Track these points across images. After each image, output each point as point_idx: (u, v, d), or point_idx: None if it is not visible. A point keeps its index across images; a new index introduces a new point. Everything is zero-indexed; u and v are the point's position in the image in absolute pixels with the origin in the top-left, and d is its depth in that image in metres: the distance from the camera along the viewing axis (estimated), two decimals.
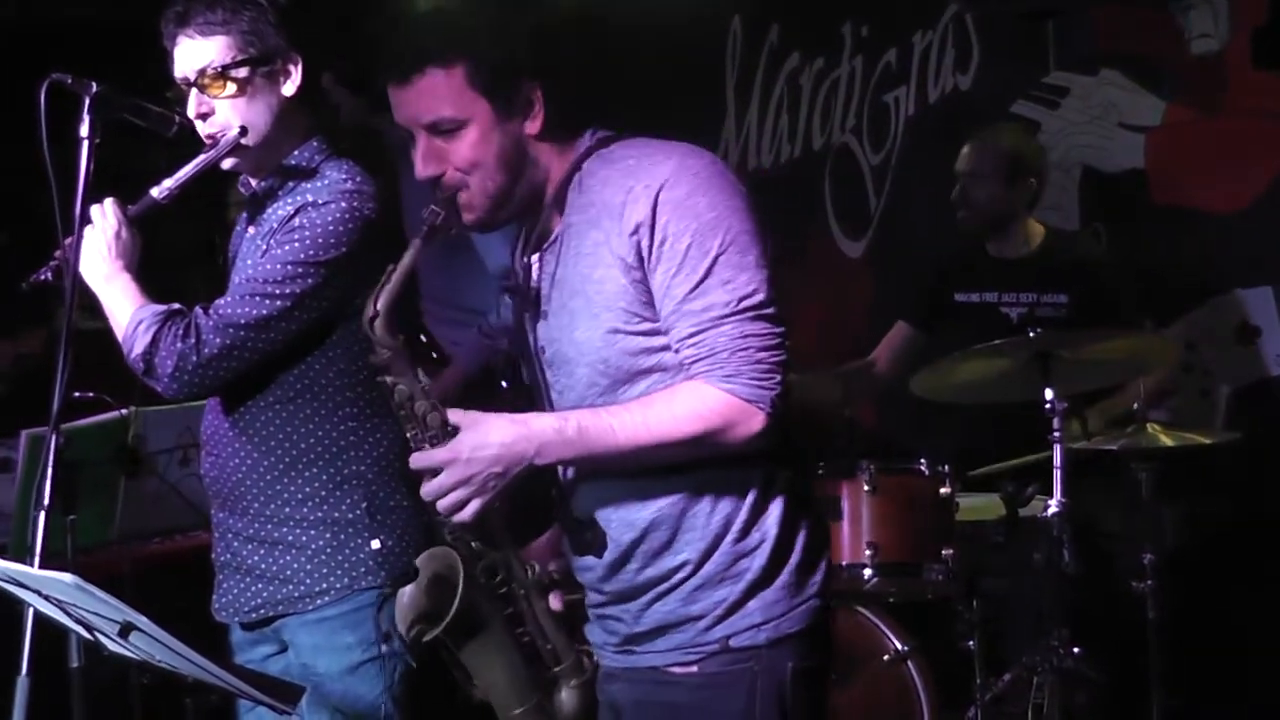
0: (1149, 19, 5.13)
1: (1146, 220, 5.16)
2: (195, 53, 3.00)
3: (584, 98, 2.54)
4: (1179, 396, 4.94)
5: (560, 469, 2.52)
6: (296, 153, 3.08)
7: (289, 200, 3.04)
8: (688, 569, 2.44)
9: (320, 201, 2.98)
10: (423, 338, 4.91)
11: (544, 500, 2.66)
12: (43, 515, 2.73)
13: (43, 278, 2.98)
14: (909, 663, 4.26)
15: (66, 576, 2.42)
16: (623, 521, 2.46)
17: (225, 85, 3.00)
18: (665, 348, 2.40)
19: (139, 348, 2.95)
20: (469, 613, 2.46)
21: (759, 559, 2.43)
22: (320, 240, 2.95)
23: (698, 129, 6.31)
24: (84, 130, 2.86)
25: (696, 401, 2.35)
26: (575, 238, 2.44)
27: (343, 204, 2.97)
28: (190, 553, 4.10)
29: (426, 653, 2.61)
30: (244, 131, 3.01)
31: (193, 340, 2.94)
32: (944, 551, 4.21)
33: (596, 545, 2.48)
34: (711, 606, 2.43)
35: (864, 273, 6.12)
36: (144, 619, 2.44)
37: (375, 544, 3.02)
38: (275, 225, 3.02)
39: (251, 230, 3.12)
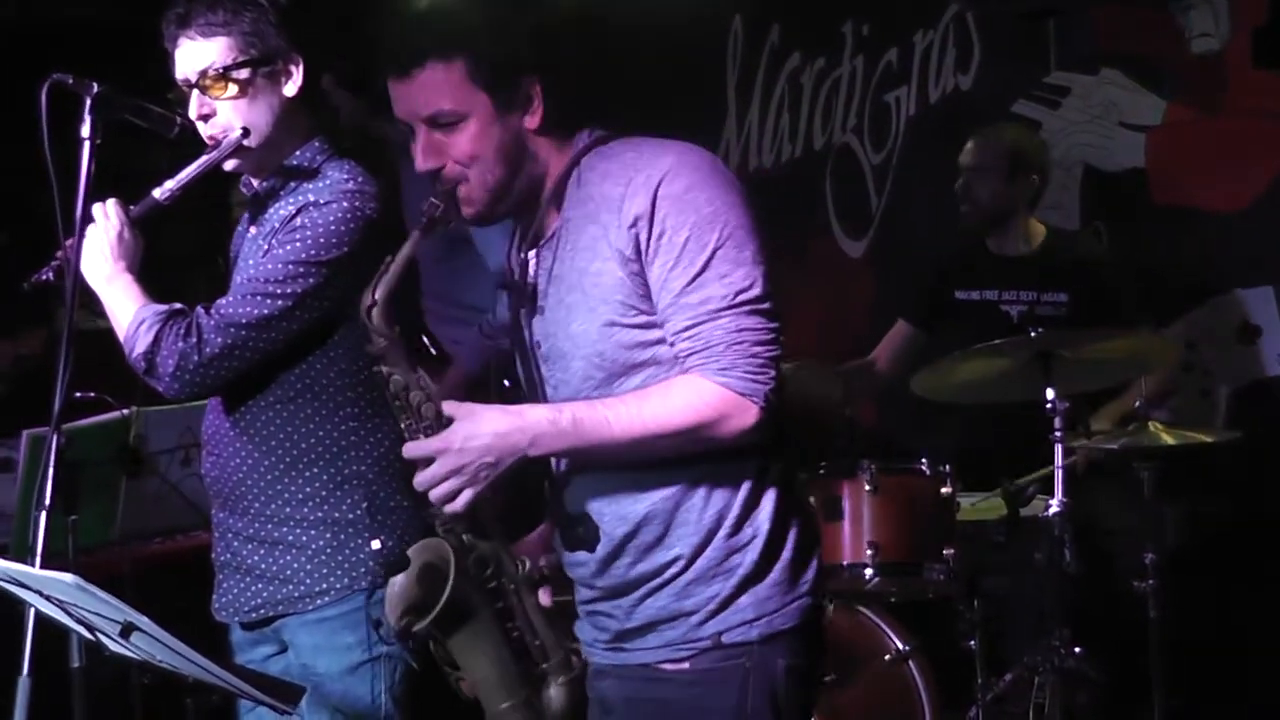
0: (1149, 18, 5.14)
1: (1147, 220, 5.16)
2: (196, 54, 3.00)
3: (584, 95, 2.55)
4: (1179, 396, 4.94)
5: (553, 462, 2.53)
6: (298, 153, 3.08)
7: (291, 200, 3.04)
8: (680, 564, 2.44)
9: (322, 201, 2.98)
10: (424, 338, 4.90)
11: (535, 496, 2.66)
12: (44, 515, 2.73)
13: (44, 277, 2.98)
14: (910, 662, 4.26)
15: (67, 576, 2.42)
16: (616, 515, 2.47)
17: (227, 86, 3.00)
18: (661, 341, 2.41)
19: (140, 347, 2.95)
20: (459, 605, 2.46)
21: (751, 554, 2.44)
22: (322, 240, 2.95)
23: (699, 128, 6.32)
24: (85, 131, 2.86)
25: (691, 394, 2.36)
26: (573, 232, 2.45)
27: (344, 204, 2.97)
28: (191, 553, 4.10)
29: (425, 653, 2.62)
30: (246, 133, 3.01)
31: (194, 340, 2.94)
32: (945, 551, 4.21)
33: (589, 540, 2.49)
34: (704, 602, 2.44)
35: (865, 272, 6.12)
36: (145, 619, 2.44)
37: (376, 544, 3.02)
38: (277, 225, 3.02)
39: (253, 230, 3.12)
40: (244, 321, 2.95)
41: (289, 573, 3.04)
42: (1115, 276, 4.77)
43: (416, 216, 2.46)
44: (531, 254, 2.53)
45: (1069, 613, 4.14)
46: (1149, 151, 5.17)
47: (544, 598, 2.57)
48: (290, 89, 3.05)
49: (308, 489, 3.03)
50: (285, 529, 3.04)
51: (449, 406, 2.41)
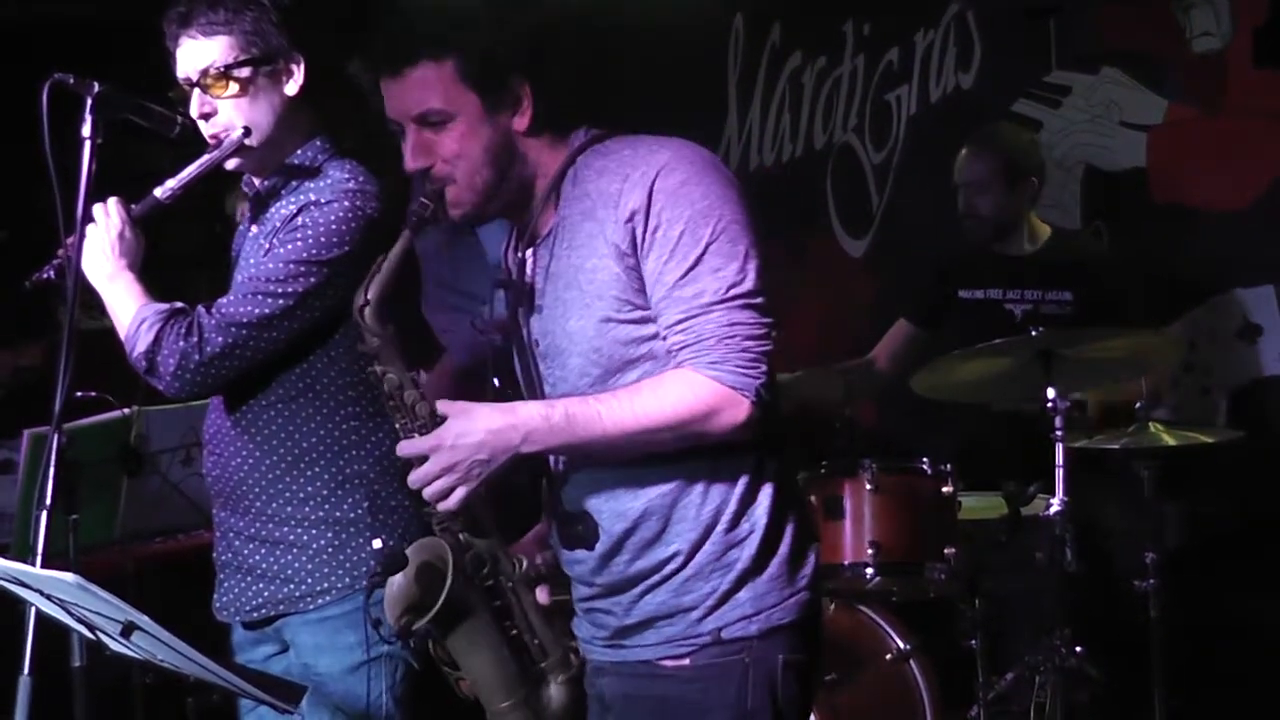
0: (1151, 17, 5.13)
1: (1148, 219, 5.15)
2: (198, 53, 3.00)
3: (576, 95, 2.56)
4: (1179, 395, 4.94)
5: (551, 460, 2.53)
6: (300, 152, 3.08)
7: (292, 199, 3.04)
8: (678, 560, 2.45)
9: (323, 201, 2.98)
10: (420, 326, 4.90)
11: (531, 497, 2.67)
12: (45, 515, 2.73)
13: (45, 276, 2.99)
14: (911, 662, 4.26)
15: (69, 576, 2.42)
16: (613, 512, 2.47)
17: (228, 85, 3.00)
18: (656, 336, 2.42)
19: (141, 346, 2.95)
20: (457, 603, 2.47)
21: (749, 549, 2.45)
22: (323, 239, 2.96)
23: (700, 127, 6.31)
24: (86, 130, 2.86)
25: (683, 388, 2.37)
26: (569, 230, 2.46)
27: (345, 203, 2.98)
28: (192, 552, 4.11)
29: (426, 653, 2.62)
30: (248, 132, 3.01)
31: (195, 339, 2.94)
32: (946, 550, 4.21)
33: (587, 538, 2.49)
34: (703, 598, 2.44)
35: (865, 272, 6.12)
36: (146, 618, 2.45)
37: (377, 543, 3.02)
38: (278, 224, 3.02)
39: (255, 229, 3.12)
40: (245, 321, 2.95)
41: (290, 572, 3.04)
42: (1119, 276, 4.76)
43: (408, 215, 2.47)
44: (528, 253, 2.54)
45: (1070, 612, 4.14)
46: (1150, 151, 5.16)
47: (542, 596, 2.58)
48: (292, 88, 3.05)
49: (309, 488, 3.04)
50: (287, 528, 3.04)
51: (443, 405, 2.42)
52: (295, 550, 3.03)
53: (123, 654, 2.65)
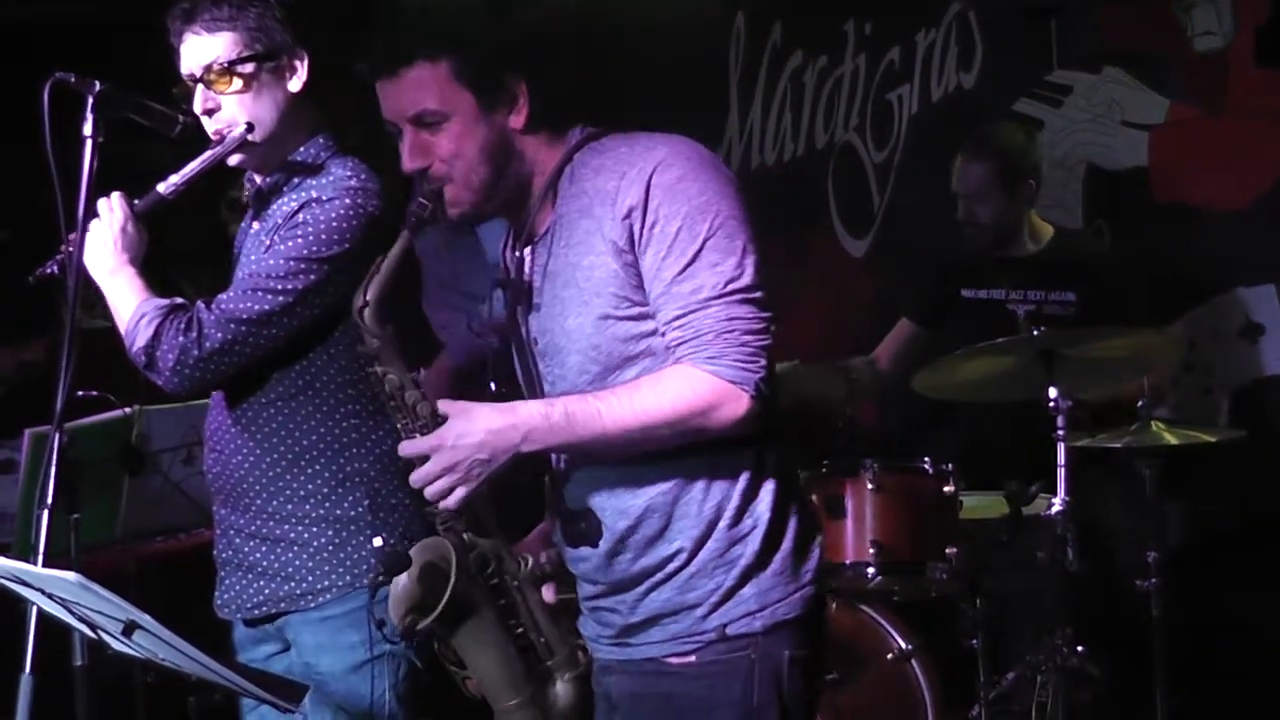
0: (1152, 17, 5.13)
1: (1149, 218, 5.15)
2: (202, 49, 3.00)
3: (573, 92, 2.56)
4: (1181, 394, 4.94)
5: (553, 458, 2.53)
6: (302, 149, 3.08)
7: (294, 196, 3.04)
8: (682, 557, 2.45)
9: (324, 198, 2.98)
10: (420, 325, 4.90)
11: (531, 495, 2.67)
12: (46, 514, 2.73)
13: (49, 271, 2.98)
14: (913, 661, 4.26)
15: (70, 575, 2.42)
16: (616, 510, 2.48)
17: (231, 81, 3.00)
18: (655, 332, 2.42)
19: (141, 341, 2.95)
20: (461, 603, 2.47)
21: (752, 544, 2.45)
22: (324, 236, 2.96)
23: (701, 127, 6.30)
24: (87, 129, 2.86)
25: (681, 383, 2.37)
26: (567, 228, 2.46)
27: (347, 200, 2.98)
28: (194, 551, 4.10)
29: (429, 651, 2.62)
30: (250, 128, 3.01)
31: (194, 335, 2.94)
32: (948, 550, 4.21)
33: (591, 535, 2.49)
34: (707, 594, 2.44)
35: (867, 271, 6.11)
36: (147, 617, 2.44)
37: (378, 541, 3.01)
38: (280, 221, 3.03)
39: (256, 226, 3.12)
40: (244, 317, 2.95)
41: (291, 569, 3.04)
42: (1121, 275, 4.76)
43: (406, 216, 2.47)
44: (526, 251, 2.54)
45: (1071, 612, 4.14)
46: (1151, 150, 5.16)
47: (547, 594, 2.58)
48: (295, 84, 3.06)
49: (310, 486, 3.04)
50: (287, 526, 3.04)
51: (444, 405, 2.42)
52: (296, 548, 3.03)
53: (124, 653, 2.65)
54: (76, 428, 3.50)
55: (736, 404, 2.36)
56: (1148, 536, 4.28)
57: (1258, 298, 4.90)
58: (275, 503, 3.05)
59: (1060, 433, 4.08)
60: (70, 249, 2.92)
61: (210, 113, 3.02)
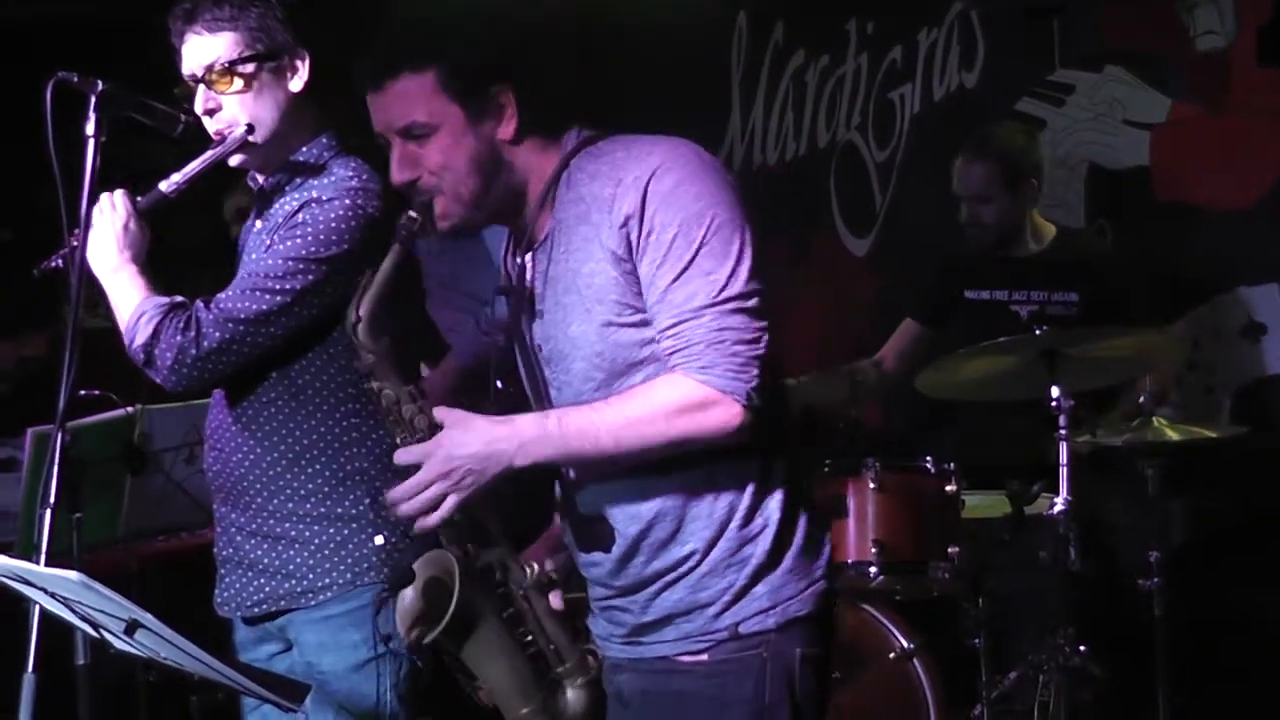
0: (1154, 16, 5.13)
1: (1151, 218, 5.15)
2: (203, 49, 3.00)
3: (565, 97, 2.55)
4: (1183, 394, 4.94)
5: (564, 469, 2.53)
6: (305, 149, 3.09)
7: (296, 196, 3.04)
8: (695, 558, 2.45)
9: (325, 198, 2.98)
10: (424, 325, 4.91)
11: (531, 502, 2.67)
12: (48, 513, 2.73)
13: (54, 264, 2.98)
14: (915, 661, 4.26)
15: (72, 574, 2.42)
16: (628, 515, 2.47)
17: (232, 81, 3.00)
18: (656, 338, 2.42)
19: (140, 339, 2.96)
20: (467, 614, 2.46)
21: (763, 543, 2.44)
22: (322, 237, 2.96)
23: (703, 126, 6.32)
24: (90, 128, 2.86)
25: (673, 393, 2.36)
26: (565, 234, 2.45)
27: (346, 201, 2.98)
28: (196, 550, 4.10)
29: (431, 651, 2.62)
30: (251, 129, 3.01)
31: (192, 334, 2.94)
32: (950, 549, 4.21)
33: (604, 541, 2.49)
34: (719, 593, 2.44)
35: (868, 271, 6.11)
36: (150, 616, 2.44)
37: (379, 540, 3.03)
38: (281, 221, 3.03)
39: (259, 224, 3.13)
40: (242, 317, 2.96)
41: (291, 567, 3.04)
42: (1124, 275, 4.76)
43: (396, 229, 2.47)
44: (527, 257, 2.53)
45: (1073, 611, 4.14)
46: (1153, 149, 5.16)
47: (555, 601, 2.57)
48: (296, 84, 3.06)
49: (310, 485, 3.04)
50: (288, 524, 3.04)
51: (440, 412, 2.42)
52: (296, 546, 3.04)
53: (127, 652, 2.65)
54: (79, 427, 3.50)
55: (728, 413, 2.35)
56: (1150, 535, 4.28)
57: (1260, 297, 4.90)
58: (276, 501, 3.05)
59: (1062, 432, 4.08)
60: (75, 242, 2.92)
61: (211, 113, 3.02)
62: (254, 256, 3.05)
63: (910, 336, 5.04)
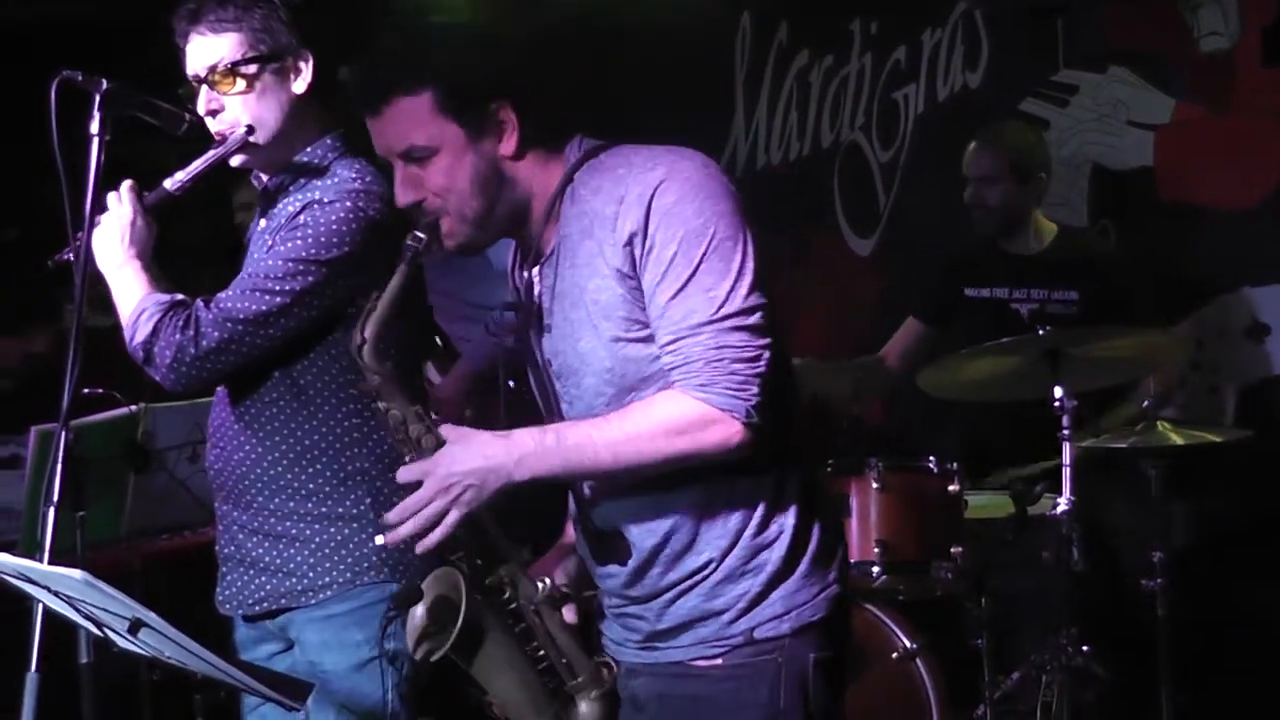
0: (1158, 16, 5.13)
1: (1155, 218, 5.15)
2: (207, 49, 3.01)
3: (566, 109, 2.54)
4: (1187, 394, 4.94)
5: (581, 485, 2.53)
6: (309, 150, 3.09)
7: (299, 197, 3.04)
8: (711, 566, 2.45)
9: (326, 200, 2.99)
10: (436, 338, 4.93)
11: (533, 515, 2.67)
12: (52, 511, 2.73)
13: (66, 258, 2.98)
14: (917, 661, 4.26)
15: (76, 573, 2.42)
16: (643, 529, 2.47)
17: (235, 82, 3.00)
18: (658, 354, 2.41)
19: (140, 336, 2.96)
20: (475, 630, 2.46)
21: (778, 550, 2.44)
22: (323, 239, 2.96)
23: (706, 127, 6.33)
24: (94, 127, 2.87)
25: (672, 410, 2.35)
26: (570, 249, 2.44)
27: (348, 203, 2.98)
28: (199, 549, 4.10)
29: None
30: (251, 130, 3.02)
31: (191, 332, 2.94)
32: (953, 549, 4.21)
33: (620, 554, 2.49)
34: (734, 600, 2.44)
35: (872, 270, 6.11)
36: (153, 615, 2.45)
37: (380, 539, 3.02)
38: (283, 221, 3.03)
39: (263, 224, 3.13)
40: (241, 317, 2.96)
41: (292, 566, 3.04)
42: (1126, 275, 4.76)
43: (402, 250, 2.46)
44: (534, 272, 2.52)
45: (1076, 611, 4.14)
46: (1157, 150, 5.16)
47: (568, 615, 2.56)
48: (299, 86, 3.06)
49: (311, 484, 3.04)
50: (289, 523, 3.05)
51: (445, 430, 2.42)
52: (298, 544, 3.04)
53: (130, 651, 2.65)
54: (82, 425, 3.50)
55: (727, 431, 2.34)
56: (1153, 536, 4.28)
57: (1264, 297, 4.90)
58: (277, 500, 3.05)
59: (1065, 432, 4.08)
60: (80, 241, 2.92)
61: (213, 113, 3.02)
62: (256, 256, 3.06)
63: (913, 335, 5.05)
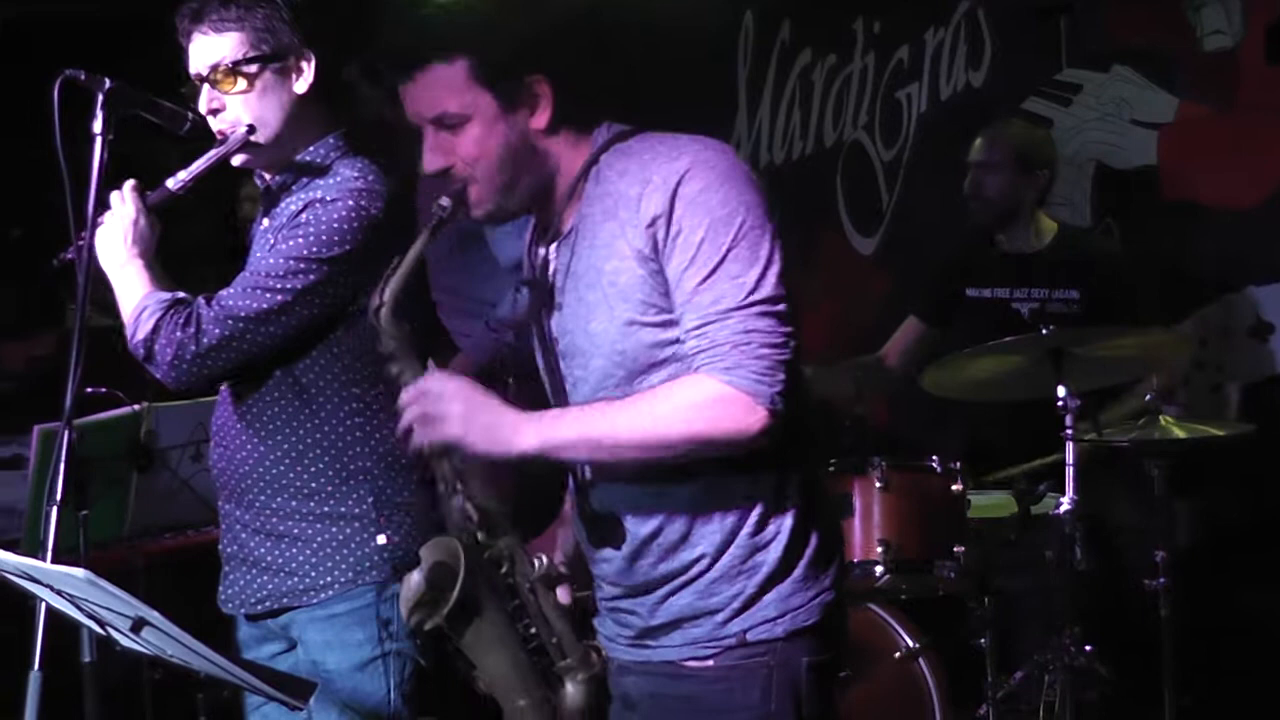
0: (1161, 15, 5.12)
1: (1159, 217, 5.14)
2: (209, 48, 3.01)
3: (598, 90, 2.54)
4: (1190, 393, 4.93)
5: (579, 469, 2.52)
6: (311, 149, 3.09)
7: (301, 196, 3.05)
8: (704, 562, 2.44)
9: (328, 199, 2.99)
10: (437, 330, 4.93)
11: (548, 498, 2.66)
12: (55, 511, 2.74)
13: (69, 257, 2.99)
14: (920, 660, 4.26)
15: (79, 572, 2.42)
16: (639, 515, 2.47)
17: (236, 81, 3.01)
18: (681, 339, 2.41)
19: (141, 334, 2.96)
20: (470, 602, 2.46)
21: (774, 552, 2.44)
22: (324, 237, 2.96)
23: (709, 125, 6.29)
24: (97, 126, 2.87)
25: (696, 393, 2.34)
26: (590, 229, 2.45)
27: (349, 202, 2.98)
28: (202, 548, 4.10)
29: (436, 649, 2.62)
30: (252, 129, 3.02)
31: (192, 330, 2.95)
32: (956, 549, 4.21)
33: (614, 538, 2.49)
34: (728, 600, 2.44)
35: (875, 269, 6.11)
36: (156, 614, 2.45)
37: (381, 539, 3.03)
38: (285, 220, 3.03)
39: (266, 222, 3.13)
40: (242, 315, 2.96)
41: (294, 565, 3.04)
42: (1127, 273, 4.76)
43: (428, 215, 2.46)
44: (551, 249, 2.53)
45: (1079, 610, 4.14)
46: (1161, 148, 5.16)
47: (562, 595, 2.57)
48: (301, 85, 3.06)
49: (313, 484, 3.04)
50: (291, 522, 3.05)
51: None
52: (299, 544, 3.04)
53: (133, 650, 2.65)
54: (86, 424, 3.50)
55: (752, 416, 2.33)
56: (1156, 535, 4.27)
57: (1268, 296, 4.89)
58: (279, 499, 3.05)
59: (1069, 432, 4.07)
60: (83, 240, 2.93)
61: (215, 112, 3.03)
62: (257, 255, 3.06)
63: (913, 334, 5.05)
